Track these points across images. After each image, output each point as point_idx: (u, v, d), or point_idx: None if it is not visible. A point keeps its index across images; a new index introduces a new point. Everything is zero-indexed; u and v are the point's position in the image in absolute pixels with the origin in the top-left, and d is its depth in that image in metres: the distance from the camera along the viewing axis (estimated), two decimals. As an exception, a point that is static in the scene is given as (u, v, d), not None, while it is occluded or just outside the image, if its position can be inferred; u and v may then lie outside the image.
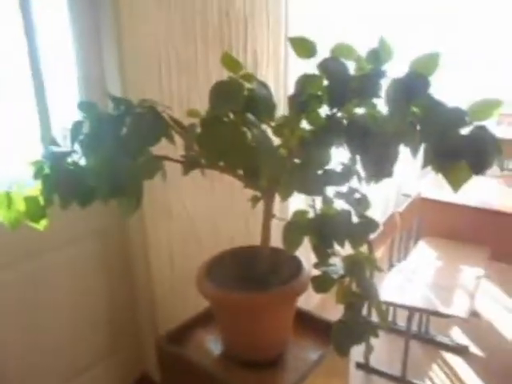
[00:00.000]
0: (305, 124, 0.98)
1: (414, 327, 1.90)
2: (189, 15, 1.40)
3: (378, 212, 2.58)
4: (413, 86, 0.84)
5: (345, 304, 0.95)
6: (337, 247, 0.92)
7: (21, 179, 1.03)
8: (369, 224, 0.92)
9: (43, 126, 1.18)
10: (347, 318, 0.95)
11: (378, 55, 0.84)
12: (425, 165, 0.87)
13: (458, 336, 1.98)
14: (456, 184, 0.85)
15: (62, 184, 0.76)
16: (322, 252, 0.91)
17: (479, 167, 0.80)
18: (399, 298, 1.61)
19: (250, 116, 0.85)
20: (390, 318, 1.92)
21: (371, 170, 0.89)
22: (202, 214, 1.59)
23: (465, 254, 1.94)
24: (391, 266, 1.89)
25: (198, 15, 1.43)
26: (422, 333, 1.94)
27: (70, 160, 0.82)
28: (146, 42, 1.29)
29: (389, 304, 1.59)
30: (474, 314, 2.08)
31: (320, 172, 0.91)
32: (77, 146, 0.83)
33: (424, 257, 1.96)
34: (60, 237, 1.27)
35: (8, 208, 0.90)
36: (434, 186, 2.27)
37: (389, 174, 0.90)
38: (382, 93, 0.89)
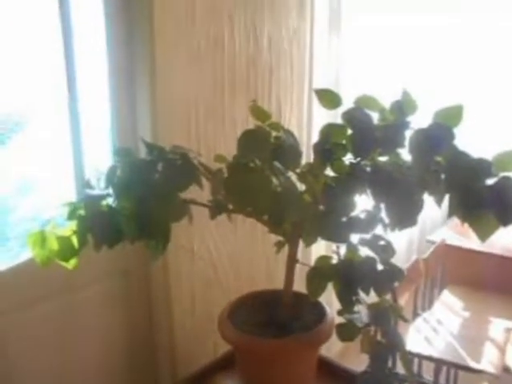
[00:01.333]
0: (329, 171, 1.01)
1: (442, 380, 1.81)
2: (218, 66, 1.48)
3: (400, 257, 2.55)
4: (436, 137, 0.86)
5: (370, 354, 0.93)
6: (361, 294, 0.91)
7: (54, 219, 1.08)
8: (394, 272, 0.92)
9: (77, 167, 1.24)
10: (373, 368, 0.93)
11: (402, 107, 0.87)
12: (450, 214, 0.87)
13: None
14: (483, 235, 0.85)
15: (97, 225, 0.79)
16: (347, 299, 0.90)
17: (506, 218, 0.80)
18: (426, 350, 1.56)
19: (277, 163, 0.88)
20: (415, 370, 1.84)
21: (395, 219, 0.90)
22: (224, 257, 1.60)
23: (492, 305, 1.87)
24: (416, 314, 1.84)
25: (227, 66, 1.51)
26: (449, 387, 1.84)
27: (104, 203, 0.85)
28: (178, 92, 1.36)
29: (415, 355, 1.53)
30: (506, 369, 1.97)
31: (344, 219, 0.92)
32: (110, 190, 0.87)
33: (450, 307, 1.90)
34: (86, 275, 1.30)
35: (41, 246, 0.93)
36: (459, 232, 2.23)
37: (412, 223, 0.90)
38: (406, 142, 0.92)
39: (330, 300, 1.09)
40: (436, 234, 2.23)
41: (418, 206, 0.90)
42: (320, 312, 1.10)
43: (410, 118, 0.91)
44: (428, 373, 1.78)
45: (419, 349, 1.54)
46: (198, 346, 1.53)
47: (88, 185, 0.96)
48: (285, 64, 1.73)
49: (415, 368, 1.87)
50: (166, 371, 1.51)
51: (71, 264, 0.98)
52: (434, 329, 1.70)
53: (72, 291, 1.29)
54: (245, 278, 1.67)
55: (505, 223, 0.80)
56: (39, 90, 1.23)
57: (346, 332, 0.88)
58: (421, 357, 1.53)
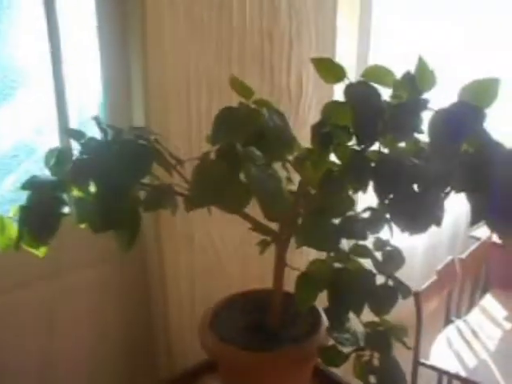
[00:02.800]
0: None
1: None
2: (224, 37, 1.31)
3: (440, 255, 2.29)
4: (462, 119, 0.66)
5: (363, 382, 0.77)
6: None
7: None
8: (398, 289, 0.74)
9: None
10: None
11: (415, 81, 0.68)
12: (474, 221, 0.67)
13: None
14: (516, 249, 0.65)
15: (34, 217, 0.69)
16: (335, 317, 0.74)
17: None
18: (454, 365, 1.35)
19: (254, 150, 0.72)
20: (444, 383, 1.63)
21: (400, 221, 0.71)
22: (229, 244, 1.47)
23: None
24: (448, 321, 1.62)
25: (236, 36, 1.34)
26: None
27: (53, 191, 0.75)
28: (175, 66, 1.22)
29: (440, 371, 1.34)
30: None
31: (337, 220, 0.75)
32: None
33: (490, 314, 1.66)
34: (75, 259, 1.23)
35: (1, 233, 0.85)
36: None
37: (424, 227, 0.72)
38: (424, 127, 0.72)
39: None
40: (483, 229, 1.95)
41: (433, 206, 0.71)
42: (315, 319, 0.95)
43: (427, 95, 0.71)
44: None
45: (447, 364, 1.34)
46: (197, 340, 1.43)
47: (58, 168, 0.86)
48: (308, 33, 1.52)
49: (444, 380, 1.67)
50: (162, 364, 1.43)
51: (41, 252, 0.89)
52: (467, 340, 1.48)
53: (61, 276, 1.23)
54: (253, 271, 1.54)
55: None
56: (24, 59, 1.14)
57: (330, 357, 0.73)
58: (447, 374, 1.33)
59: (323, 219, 0.73)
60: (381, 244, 0.80)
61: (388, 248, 0.80)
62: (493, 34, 2.39)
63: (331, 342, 0.85)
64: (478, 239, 1.81)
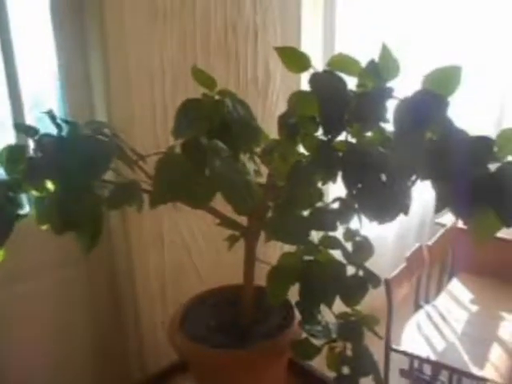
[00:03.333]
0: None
1: (442, 377, 1.65)
2: (187, 28, 1.28)
3: (409, 242, 2.34)
4: (426, 107, 0.66)
5: (336, 374, 0.77)
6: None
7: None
8: (368, 279, 0.74)
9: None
10: (339, 391, 0.77)
11: (378, 69, 0.67)
12: (438, 208, 0.68)
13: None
14: (481, 236, 0.66)
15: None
16: (306, 310, 0.73)
17: (510, 217, 0.60)
18: (424, 350, 1.38)
19: (218, 142, 0.70)
20: (415, 365, 1.67)
21: (369, 211, 0.71)
22: (200, 239, 1.44)
23: (506, 297, 1.67)
24: (418, 306, 1.66)
25: (199, 27, 1.31)
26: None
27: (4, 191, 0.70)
28: (137, 58, 1.17)
29: (411, 356, 1.36)
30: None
31: (306, 212, 0.74)
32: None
33: (457, 298, 1.71)
34: (35, 264, 1.17)
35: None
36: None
37: (392, 216, 0.72)
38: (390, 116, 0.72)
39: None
40: (448, 215, 2.00)
41: (400, 195, 0.71)
42: (288, 313, 0.94)
43: (392, 84, 0.71)
44: (430, 369, 1.62)
45: (417, 349, 1.37)
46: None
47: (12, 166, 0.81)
48: (273, 24, 1.50)
49: (416, 363, 1.71)
50: (133, 366, 1.39)
51: (-2, 256, 0.84)
52: (437, 324, 1.52)
53: (21, 280, 1.17)
54: (224, 264, 1.52)
55: (508, 224, 0.61)
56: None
57: (303, 350, 0.72)
58: (418, 358, 1.36)
59: (292, 211, 0.72)
60: (350, 234, 0.79)
61: (357, 238, 0.80)
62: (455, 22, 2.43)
63: (304, 335, 0.85)
64: (443, 226, 1.86)
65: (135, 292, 1.31)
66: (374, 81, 0.69)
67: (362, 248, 0.79)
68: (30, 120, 1.10)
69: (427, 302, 1.71)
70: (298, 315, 0.92)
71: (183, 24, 1.26)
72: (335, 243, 0.73)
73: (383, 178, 0.72)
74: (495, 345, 1.39)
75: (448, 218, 1.94)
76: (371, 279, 0.73)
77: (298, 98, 0.81)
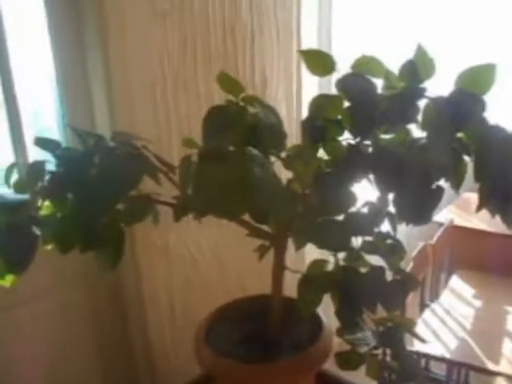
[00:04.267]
0: (322, 154, 0.81)
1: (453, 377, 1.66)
2: (188, 33, 1.25)
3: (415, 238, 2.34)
4: (462, 108, 0.65)
5: (378, 382, 0.75)
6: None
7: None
8: (407, 282, 0.72)
9: (19, 162, 1.02)
10: (381, 399, 0.75)
11: (416, 69, 0.66)
12: (480, 207, 0.67)
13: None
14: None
15: (10, 246, 0.59)
16: (348, 319, 0.71)
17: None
18: (435, 348, 1.39)
19: (252, 149, 0.67)
20: (422, 364, 1.68)
21: (408, 213, 0.70)
22: (207, 253, 1.41)
23: (508, 291, 1.70)
24: (424, 305, 1.67)
25: (199, 33, 1.28)
26: (461, 383, 1.69)
27: (27, 210, 0.65)
28: (138, 65, 1.13)
29: (425, 356, 1.36)
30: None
31: (341, 217, 0.72)
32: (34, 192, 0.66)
33: (460, 295, 1.73)
34: (38, 285, 1.11)
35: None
36: (467, 211, 2.04)
37: (430, 217, 0.71)
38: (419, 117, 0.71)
39: (326, 308, 0.90)
40: (441, 213, 2.03)
41: (436, 197, 0.70)
42: (316, 324, 0.91)
43: (424, 84, 0.70)
44: (437, 367, 1.63)
45: (429, 347, 1.38)
46: (180, 357, 1.35)
47: (21, 185, 0.76)
48: (269, 27, 1.49)
49: (422, 362, 1.72)
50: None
51: (8, 281, 0.78)
52: (443, 321, 1.53)
53: (25, 303, 1.10)
54: (233, 277, 1.48)
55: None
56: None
57: (348, 361, 0.70)
58: (432, 357, 1.36)
59: (329, 218, 0.70)
60: (383, 238, 0.78)
61: (390, 241, 0.79)
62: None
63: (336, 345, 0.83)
64: (440, 224, 1.88)
65: (144, 309, 1.26)
66: (408, 81, 0.69)
67: (395, 251, 0.78)
68: (29, 134, 1.05)
69: (432, 300, 1.72)
70: (327, 326, 0.90)
71: (183, 25, 1.23)
72: (374, 248, 0.72)
73: (418, 179, 0.71)
74: (506, 339, 1.41)
75: (443, 216, 1.96)
76: (410, 282, 0.72)
77: (321, 101, 0.80)
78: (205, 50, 1.30)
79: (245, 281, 1.52)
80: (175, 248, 1.31)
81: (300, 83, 1.59)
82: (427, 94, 0.68)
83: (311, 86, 1.64)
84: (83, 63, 1.11)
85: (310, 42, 1.60)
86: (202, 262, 1.40)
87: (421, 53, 0.66)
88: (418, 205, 0.69)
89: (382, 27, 1.93)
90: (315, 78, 1.69)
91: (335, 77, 0.77)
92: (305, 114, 1.68)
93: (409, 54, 0.71)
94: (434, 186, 0.71)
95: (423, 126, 0.73)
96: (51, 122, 1.13)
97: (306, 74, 1.60)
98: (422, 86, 0.69)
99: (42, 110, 1.13)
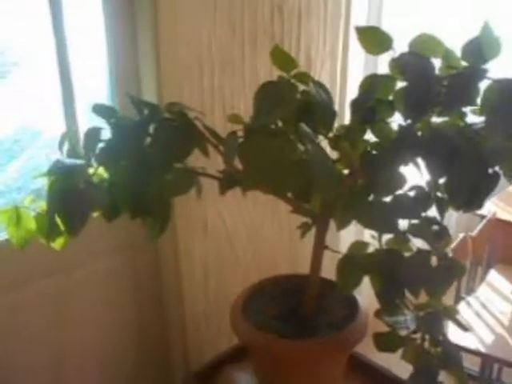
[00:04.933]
0: (369, 135, 0.79)
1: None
2: (237, 10, 1.24)
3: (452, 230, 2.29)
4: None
5: (415, 366, 0.75)
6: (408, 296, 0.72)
7: (33, 192, 0.91)
8: (453, 268, 0.71)
9: (69, 129, 1.06)
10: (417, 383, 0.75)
11: (480, 48, 0.63)
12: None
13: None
14: None
15: (67, 206, 0.62)
16: (390, 301, 0.71)
17: None
18: (470, 341, 1.36)
19: (304, 125, 0.67)
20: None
21: (462, 199, 0.68)
22: (242, 231, 1.42)
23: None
24: (459, 298, 1.63)
25: (247, 11, 1.27)
26: (493, 380, 1.66)
27: (81, 175, 0.68)
28: (187, 39, 1.14)
29: (459, 349, 1.34)
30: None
31: (389, 199, 0.71)
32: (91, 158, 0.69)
33: (497, 289, 1.68)
34: (81, 253, 1.15)
35: (17, 226, 0.78)
36: (508, 205, 1.97)
37: (482, 203, 0.69)
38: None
39: (361, 290, 0.90)
40: (485, 206, 1.96)
41: (492, 182, 0.68)
42: (352, 305, 0.92)
43: (488, 64, 0.67)
44: (468, 361, 1.60)
45: (463, 340, 1.35)
46: (211, 330, 1.39)
47: (73, 152, 0.79)
48: (317, 6, 1.46)
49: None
50: (177, 357, 1.39)
51: (58, 244, 0.83)
52: (479, 315, 1.50)
53: (70, 269, 1.16)
54: (265, 256, 1.50)
55: None
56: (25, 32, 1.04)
57: (387, 342, 0.70)
58: (467, 351, 1.34)
59: (376, 197, 0.69)
60: (429, 223, 0.77)
61: (436, 227, 0.77)
62: None
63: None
64: (482, 217, 1.82)
65: (180, 281, 1.30)
66: (472, 60, 0.66)
67: (441, 236, 0.76)
68: (80, 107, 1.08)
69: (468, 294, 1.68)
70: (363, 308, 0.90)
71: (232, 8, 1.23)
72: (422, 231, 0.71)
73: (473, 164, 0.69)
74: (545, 337, 1.37)
75: (485, 209, 1.90)
76: (456, 268, 0.71)
77: (372, 81, 0.78)
78: (252, 30, 1.29)
79: (277, 260, 1.54)
80: (212, 224, 1.33)
81: (345, 63, 1.55)
82: (489, 75, 0.66)
83: (356, 67, 1.60)
84: (134, 42, 1.12)
85: (359, 21, 1.55)
86: (237, 239, 1.42)
87: (487, 31, 0.63)
88: (472, 190, 0.67)
89: (434, 6, 1.86)
90: (360, 59, 1.65)
91: (382, 58, 0.75)
92: (349, 95, 1.65)
93: (466, 33, 0.69)
94: (489, 172, 0.69)
95: (482, 109, 0.70)
96: (100, 96, 1.16)
97: (352, 54, 1.57)
98: (484, 66, 0.66)
99: (92, 84, 1.16)
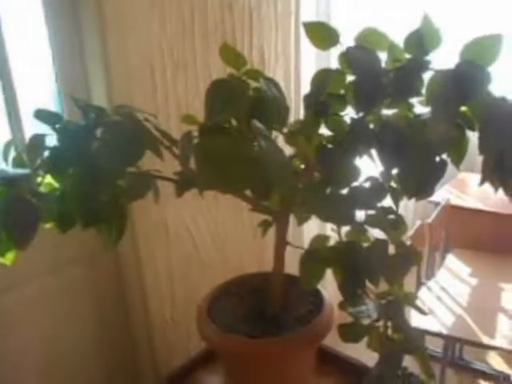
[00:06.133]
0: (323, 130, 0.80)
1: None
2: (186, 9, 1.22)
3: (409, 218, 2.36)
4: (467, 80, 0.65)
5: (380, 353, 0.76)
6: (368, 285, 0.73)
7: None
8: (410, 255, 0.73)
9: (15, 136, 1.01)
10: (383, 370, 0.77)
11: (422, 40, 0.65)
12: (483, 180, 0.68)
13: (497, 363, 1.76)
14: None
15: (12, 219, 0.58)
16: (351, 291, 0.72)
17: None
18: (432, 324, 1.41)
19: (257, 123, 0.67)
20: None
21: (412, 187, 0.70)
22: (205, 232, 1.41)
23: (505, 270, 1.72)
24: (420, 284, 1.69)
25: (197, 9, 1.25)
26: (455, 358, 1.73)
27: (29, 184, 0.64)
28: (135, 38, 1.11)
29: (422, 332, 1.39)
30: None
31: (345, 191, 0.72)
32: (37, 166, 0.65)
33: (455, 273, 1.75)
34: (36, 266, 1.10)
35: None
36: (461, 191, 2.06)
37: (432, 191, 0.71)
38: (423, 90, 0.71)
39: (325, 283, 0.91)
40: (438, 193, 2.04)
41: (440, 170, 0.70)
42: (317, 299, 0.93)
43: (429, 57, 0.70)
44: (432, 343, 1.66)
45: (426, 323, 1.40)
46: (180, 335, 1.37)
47: (19, 161, 0.75)
48: (267, 3, 1.46)
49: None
50: (146, 365, 1.35)
51: (8, 259, 0.78)
52: (440, 299, 1.56)
53: (25, 284, 1.10)
54: (230, 256, 1.49)
55: None
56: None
57: (351, 332, 0.71)
58: (429, 333, 1.39)
59: (332, 190, 0.70)
60: (385, 213, 0.78)
61: (391, 216, 0.79)
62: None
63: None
64: (437, 204, 1.89)
65: (144, 287, 1.27)
66: (414, 52, 0.68)
67: (397, 225, 0.78)
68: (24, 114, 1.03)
69: (428, 279, 1.75)
70: (328, 301, 0.91)
71: (181, 6, 1.21)
72: (378, 221, 0.72)
73: (421, 153, 0.71)
74: (501, 315, 1.44)
75: (439, 196, 1.98)
76: (413, 255, 0.73)
77: (323, 76, 0.79)
78: (202, 28, 1.27)
79: (242, 259, 1.53)
80: (173, 226, 1.31)
81: (298, 59, 1.57)
82: (432, 66, 0.68)
83: (309, 63, 1.62)
84: (80, 45, 1.08)
85: (308, 17, 1.57)
86: (200, 240, 1.40)
87: (427, 23, 0.65)
88: (422, 179, 0.69)
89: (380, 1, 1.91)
90: (312, 55, 1.67)
91: (334, 52, 0.76)
92: (303, 90, 1.67)
93: (409, 26, 0.70)
94: (437, 160, 0.71)
95: (427, 100, 0.72)
96: (46, 100, 1.11)
97: (304, 50, 1.58)
98: (427, 58, 0.68)
99: (37, 87, 1.10)
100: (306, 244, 0.83)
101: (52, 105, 1.09)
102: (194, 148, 0.63)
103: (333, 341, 0.91)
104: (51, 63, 1.06)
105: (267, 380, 0.87)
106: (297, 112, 1.53)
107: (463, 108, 0.71)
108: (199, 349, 1.09)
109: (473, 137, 0.72)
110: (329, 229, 0.84)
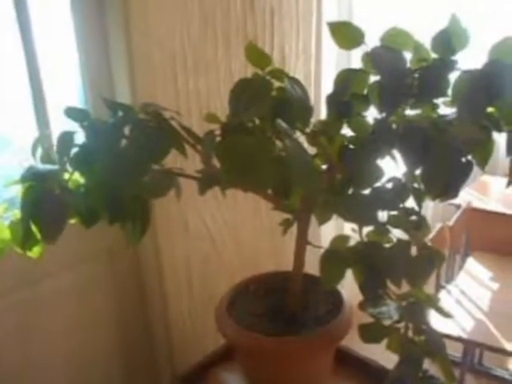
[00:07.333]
0: (345, 130, 0.80)
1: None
2: (209, 9, 1.23)
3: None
4: (495, 80, 0.64)
5: (400, 355, 0.76)
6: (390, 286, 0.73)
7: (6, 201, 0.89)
8: (433, 256, 0.72)
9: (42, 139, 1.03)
10: (402, 372, 0.76)
11: (449, 40, 0.65)
12: (510, 182, 0.67)
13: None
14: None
15: (42, 212, 0.60)
16: (372, 292, 0.72)
17: None
18: (452, 328, 1.39)
19: (280, 122, 0.67)
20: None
21: (437, 188, 0.69)
22: (224, 230, 1.42)
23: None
24: (439, 287, 1.67)
25: (219, 9, 1.27)
26: (475, 364, 1.70)
27: (56, 180, 0.66)
28: (159, 39, 1.13)
29: (441, 336, 1.37)
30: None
31: (368, 191, 0.72)
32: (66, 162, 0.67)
33: (476, 276, 1.72)
34: (61, 260, 1.13)
35: (-10, 235, 0.75)
36: (483, 194, 2.02)
37: (458, 192, 0.71)
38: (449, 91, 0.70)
39: (344, 283, 0.91)
40: (459, 196, 2.01)
41: (466, 171, 0.69)
42: (336, 299, 0.92)
43: (456, 56, 0.69)
44: (452, 348, 1.63)
45: (445, 327, 1.38)
46: (197, 332, 1.38)
47: (47, 157, 0.77)
48: (289, 5, 1.47)
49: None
50: (164, 360, 1.37)
51: (35, 252, 0.80)
52: (460, 302, 1.53)
53: (48, 277, 1.13)
54: (248, 254, 1.50)
55: None
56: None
57: (371, 333, 0.71)
58: (449, 337, 1.37)
59: (355, 190, 0.70)
60: (408, 214, 0.78)
61: (414, 217, 0.78)
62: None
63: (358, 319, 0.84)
64: (458, 206, 1.87)
65: (163, 284, 1.28)
66: (441, 52, 0.67)
67: (420, 227, 0.78)
68: (51, 113, 1.05)
69: (448, 282, 1.72)
70: (347, 301, 0.90)
71: (203, 7, 1.22)
72: (401, 222, 0.72)
73: (446, 154, 0.70)
74: (523, 320, 1.41)
75: (461, 198, 1.95)
76: (436, 257, 0.72)
77: (346, 76, 0.79)
78: (225, 27, 1.28)
79: (259, 258, 1.54)
80: (193, 224, 1.32)
81: (319, 59, 1.57)
82: (459, 66, 0.67)
83: (330, 63, 1.62)
84: (106, 44, 1.10)
85: (329, 17, 1.57)
86: (219, 239, 1.41)
87: (454, 22, 0.64)
88: (447, 180, 0.68)
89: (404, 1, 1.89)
90: (333, 55, 1.66)
91: (355, 52, 0.76)
92: (324, 90, 1.67)
93: (434, 27, 0.70)
94: (463, 161, 0.70)
95: (453, 100, 0.72)
96: (72, 98, 1.13)
97: (325, 50, 1.58)
98: (453, 58, 0.68)
99: (65, 88, 1.13)
100: (323, 244, 0.83)
101: (78, 104, 1.12)
102: (218, 146, 0.64)
103: (353, 342, 0.90)
104: (77, 63, 1.08)
105: (285, 378, 0.88)
106: (317, 112, 1.53)
107: (490, 108, 0.70)
108: (215, 344, 1.10)
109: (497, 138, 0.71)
110: (346, 229, 0.84)
